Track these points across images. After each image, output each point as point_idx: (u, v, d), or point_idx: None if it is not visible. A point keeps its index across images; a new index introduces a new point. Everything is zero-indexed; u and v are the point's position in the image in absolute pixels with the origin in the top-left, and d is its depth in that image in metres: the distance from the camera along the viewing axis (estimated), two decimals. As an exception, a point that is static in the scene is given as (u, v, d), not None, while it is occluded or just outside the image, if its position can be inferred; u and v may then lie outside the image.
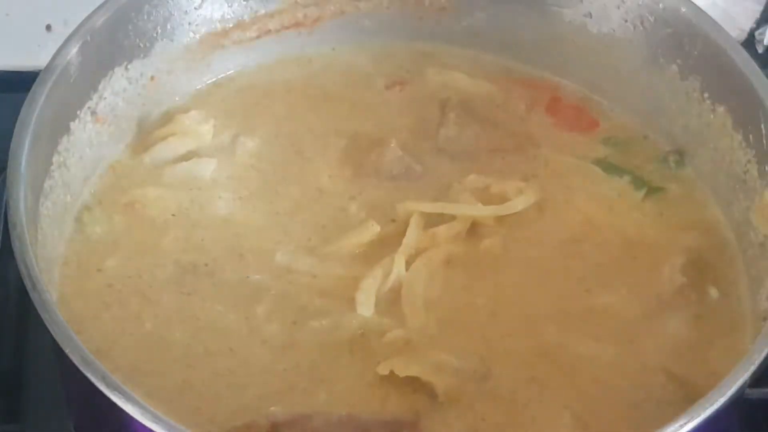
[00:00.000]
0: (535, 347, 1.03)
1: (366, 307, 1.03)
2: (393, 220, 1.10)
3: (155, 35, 1.16)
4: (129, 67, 1.15)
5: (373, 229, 1.09)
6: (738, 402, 0.95)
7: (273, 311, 1.04)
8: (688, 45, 1.15)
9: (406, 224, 1.08)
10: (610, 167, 1.16)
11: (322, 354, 1.02)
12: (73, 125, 1.10)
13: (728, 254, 1.11)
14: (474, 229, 1.10)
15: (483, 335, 1.03)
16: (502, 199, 1.12)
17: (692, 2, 1.16)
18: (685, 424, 0.88)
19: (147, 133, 1.17)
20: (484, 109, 1.20)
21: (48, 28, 1.50)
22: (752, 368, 0.92)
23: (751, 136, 1.10)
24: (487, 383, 1.01)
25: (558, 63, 1.24)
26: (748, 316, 1.07)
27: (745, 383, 0.92)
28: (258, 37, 1.24)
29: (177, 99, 1.20)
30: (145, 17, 1.15)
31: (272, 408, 0.96)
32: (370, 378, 1.00)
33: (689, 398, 0.95)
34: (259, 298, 1.05)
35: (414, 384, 0.99)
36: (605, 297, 1.07)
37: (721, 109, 1.13)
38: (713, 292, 1.08)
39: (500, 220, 1.11)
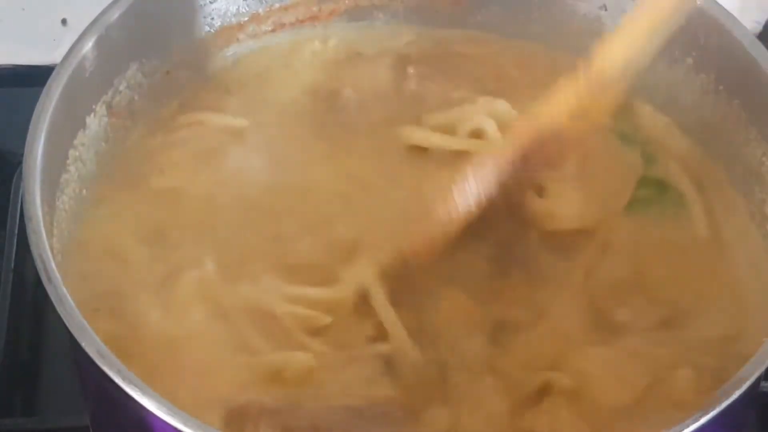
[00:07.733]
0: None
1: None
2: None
3: (170, 29, 1.17)
4: (144, 61, 1.15)
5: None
6: (753, 395, 0.95)
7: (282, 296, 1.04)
8: (704, 38, 1.15)
9: None
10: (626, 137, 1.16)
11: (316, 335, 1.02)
12: (89, 119, 1.10)
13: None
14: None
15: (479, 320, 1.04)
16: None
17: (708, -6, 1.16)
18: (700, 417, 0.87)
19: (163, 126, 1.17)
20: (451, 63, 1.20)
21: (64, 22, 1.51)
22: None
23: (766, 130, 1.09)
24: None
25: (572, 55, 1.24)
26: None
27: (760, 376, 0.92)
28: (273, 30, 1.24)
29: (193, 92, 1.20)
30: (161, 11, 1.15)
31: (261, 397, 0.96)
32: (370, 369, 1.00)
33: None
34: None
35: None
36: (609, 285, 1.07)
37: (736, 102, 1.13)
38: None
39: None
